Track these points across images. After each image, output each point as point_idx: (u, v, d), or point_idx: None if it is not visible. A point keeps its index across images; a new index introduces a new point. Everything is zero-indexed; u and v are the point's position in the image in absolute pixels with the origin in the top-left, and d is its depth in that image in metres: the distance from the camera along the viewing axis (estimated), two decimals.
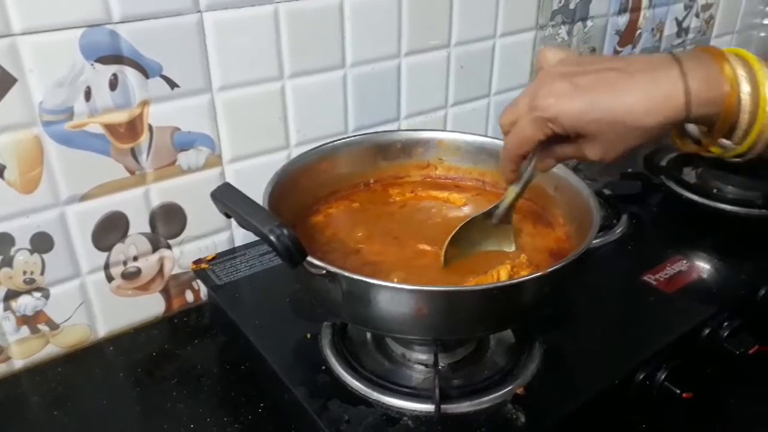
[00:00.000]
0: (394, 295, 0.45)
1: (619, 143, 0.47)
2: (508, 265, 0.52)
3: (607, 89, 0.46)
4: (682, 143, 0.52)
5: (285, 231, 0.40)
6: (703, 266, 0.71)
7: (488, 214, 0.57)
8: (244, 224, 0.43)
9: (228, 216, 0.45)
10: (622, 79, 0.46)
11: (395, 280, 0.51)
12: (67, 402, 0.61)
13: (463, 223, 0.56)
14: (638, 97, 0.45)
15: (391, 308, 0.46)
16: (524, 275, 0.51)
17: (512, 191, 0.56)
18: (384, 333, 0.57)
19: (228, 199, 0.44)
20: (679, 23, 1.17)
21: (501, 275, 0.51)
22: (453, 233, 0.56)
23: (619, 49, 1.09)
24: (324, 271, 0.44)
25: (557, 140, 0.50)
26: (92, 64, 0.58)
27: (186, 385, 0.63)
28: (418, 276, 0.54)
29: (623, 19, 1.06)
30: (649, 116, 0.45)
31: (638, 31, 1.10)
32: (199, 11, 0.63)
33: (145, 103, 0.63)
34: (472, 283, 0.51)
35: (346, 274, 0.44)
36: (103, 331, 0.70)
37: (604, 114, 0.46)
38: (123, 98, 0.61)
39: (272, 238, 0.39)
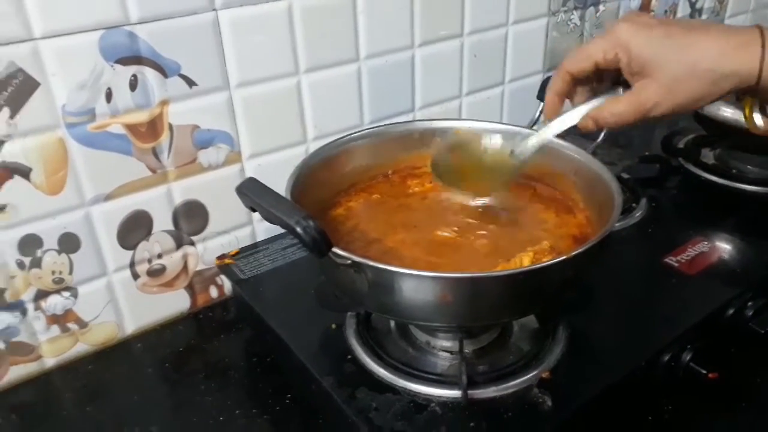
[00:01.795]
0: (419, 283, 0.46)
1: (681, 88, 0.46)
2: (530, 252, 0.53)
3: (686, 30, 0.46)
4: (752, 123, 0.51)
5: (311, 222, 0.40)
6: (724, 247, 0.71)
7: (510, 150, 0.57)
8: (269, 217, 0.43)
9: (253, 210, 0.46)
10: (703, 26, 0.46)
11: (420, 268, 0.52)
12: (98, 398, 0.62)
13: (475, 138, 0.58)
14: (714, 40, 0.45)
15: (416, 296, 0.46)
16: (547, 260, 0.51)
17: (537, 138, 0.55)
18: (409, 321, 0.57)
19: (253, 193, 0.45)
20: (692, 4, 1.16)
21: (524, 262, 0.52)
22: (453, 141, 0.58)
23: None
24: (349, 261, 0.45)
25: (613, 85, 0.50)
26: (112, 66, 0.59)
27: (213, 379, 0.64)
28: (441, 262, 0.54)
29: (636, 2, 1.05)
30: (721, 61, 0.44)
31: (651, 14, 1.09)
32: (214, 9, 0.63)
33: (164, 103, 0.64)
34: (497, 269, 0.52)
35: (372, 263, 0.45)
36: (130, 328, 0.71)
37: (677, 49, 0.45)
38: (143, 98, 0.62)
39: (299, 229, 0.40)
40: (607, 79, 0.53)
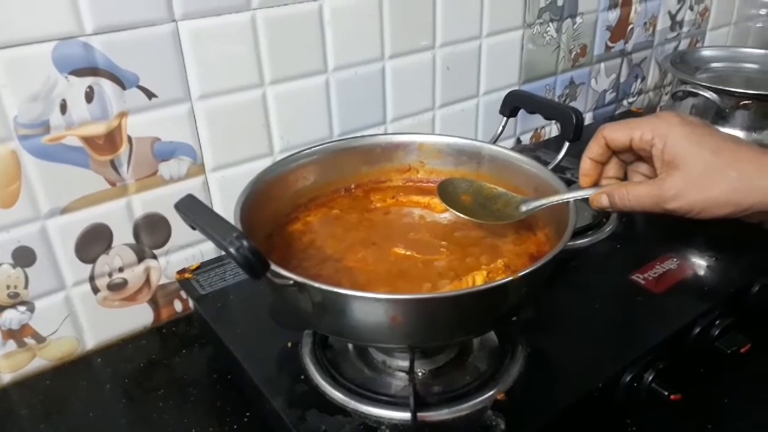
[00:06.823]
0: (362, 304, 0.44)
1: (705, 184, 0.46)
2: (484, 270, 0.52)
3: (726, 138, 0.47)
4: None
5: (245, 242, 0.39)
6: (692, 265, 0.70)
7: (519, 201, 0.58)
8: (207, 236, 0.42)
9: (193, 228, 0.45)
10: (745, 143, 0.47)
11: (373, 288, 0.51)
12: (55, 415, 0.61)
13: (491, 186, 0.60)
14: (752, 154, 0.46)
15: (360, 317, 0.45)
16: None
17: (547, 201, 0.55)
18: (356, 342, 0.56)
19: (190, 210, 0.44)
20: (672, 17, 1.16)
21: (477, 280, 0.51)
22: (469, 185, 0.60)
23: (610, 44, 1.07)
24: (291, 282, 0.44)
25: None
26: (66, 77, 0.58)
27: (173, 396, 0.63)
28: (396, 281, 0.53)
29: (614, 15, 1.05)
30: (751, 173, 0.45)
31: (630, 26, 1.09)
32: (173, 21, 0.62)
33: (123, 115, 0.63)
34: (446, 290, 0.50)
35: (313, 283, 0.43)
36: (90, 343, 0.70)
37: (711, 148, 0.46)
38: (100, 110, 0.61)
39: (232, 249, 0.39)
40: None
